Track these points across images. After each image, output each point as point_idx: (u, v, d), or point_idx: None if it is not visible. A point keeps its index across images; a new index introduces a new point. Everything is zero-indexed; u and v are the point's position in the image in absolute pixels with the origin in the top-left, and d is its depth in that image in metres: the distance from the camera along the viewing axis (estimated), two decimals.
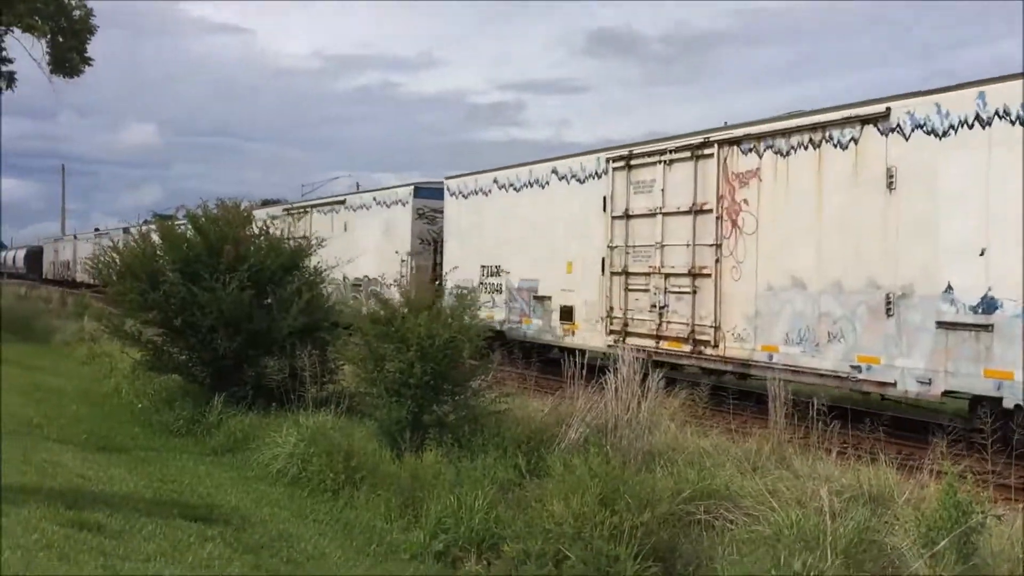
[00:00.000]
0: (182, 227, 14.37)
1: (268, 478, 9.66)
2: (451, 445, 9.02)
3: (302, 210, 30.84)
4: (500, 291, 20.07)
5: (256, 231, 14.09)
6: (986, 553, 5.82)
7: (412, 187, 24.30)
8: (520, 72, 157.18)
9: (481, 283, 20.37)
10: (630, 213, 15.98)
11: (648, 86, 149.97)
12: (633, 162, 16.01)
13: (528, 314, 19.08)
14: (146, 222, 31.06)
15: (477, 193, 21.26)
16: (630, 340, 15.25)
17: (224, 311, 12.50)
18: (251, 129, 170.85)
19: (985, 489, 7.24)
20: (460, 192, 22.04)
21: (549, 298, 18.29)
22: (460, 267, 19.62)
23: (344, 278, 22.90)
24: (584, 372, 10.46)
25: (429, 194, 23.99)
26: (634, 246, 15.91)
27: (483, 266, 20.69)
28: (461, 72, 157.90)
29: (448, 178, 22.80)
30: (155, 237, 14.15)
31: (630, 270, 15.97)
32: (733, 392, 12.32)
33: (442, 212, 23.05)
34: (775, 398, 9.47)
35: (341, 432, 9.86)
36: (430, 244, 23.72)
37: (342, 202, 28.16)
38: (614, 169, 16.48)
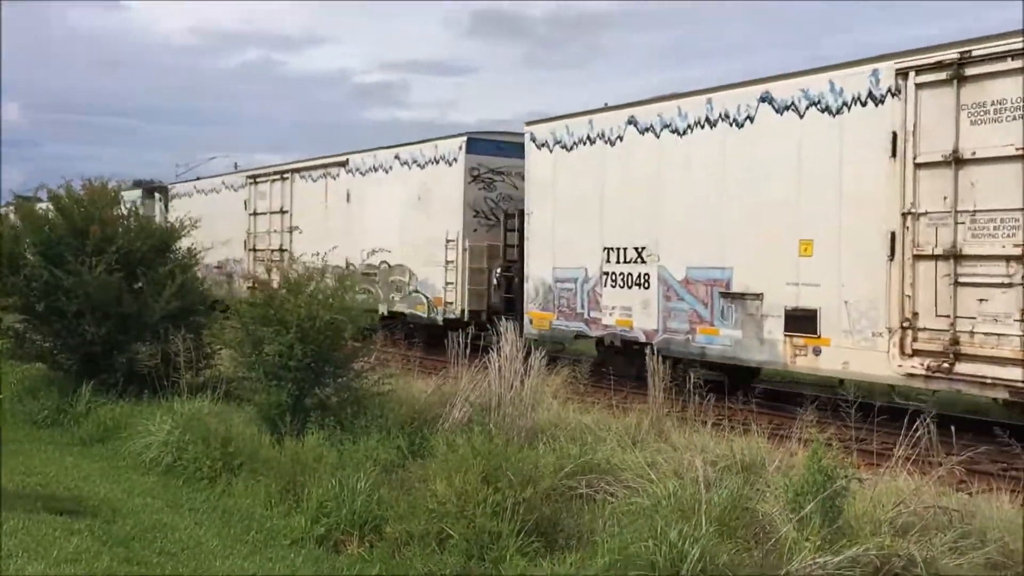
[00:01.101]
0: (44, 209, 13.66)
1: (140, 467, 9.33)
2: (333, 428, 8.92)
3: (279, 176, 24.35)
4: (645, 285, 14.02)
5: (124, 212, 13.53)
6: (850, 515, 6.12)
7: (464, 138, 18.22)
8: (405, 52, 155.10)
9: (604, 273, 14.69)
10: (961, 157, 10.05)
11: (534, 68, 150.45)
12: (968, 71, 10.00)
13: (709, 319, 13.01)
14: (8, 204, 29.10)
15: (592, 141, 15.05)
16: (964, 366, 10.03)
17: (91, 295, 11.97)
18: (127, 107, 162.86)
19: (849, 455, 7.61)
20: (558, 142, 15.69)
21: (758, 296, 12.31)
22: (562, 250, 15.37)
23: (348, 265, 17.89)
24: (468, 351, 10.49)
25: (487, 148, 18.23)
26: (973, 211, 10.02)
27: (608, 248, 14.65)
28: (345, 51, 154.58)
29: (531, 123, 16.47)
30: (13, 217, 13.43)
31: (964, 251, 10.06)
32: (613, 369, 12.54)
33: (503, 174, 18.04)
34: (654, 373, 9.70)
35: (218, 418, 9.62)
36: (490, 218, 18.15)
37: (343, 164, 21.60)
38: (918, 86, 10.47)
